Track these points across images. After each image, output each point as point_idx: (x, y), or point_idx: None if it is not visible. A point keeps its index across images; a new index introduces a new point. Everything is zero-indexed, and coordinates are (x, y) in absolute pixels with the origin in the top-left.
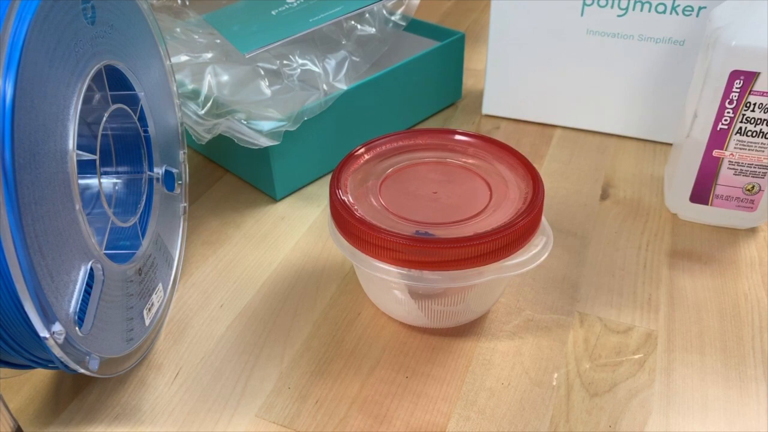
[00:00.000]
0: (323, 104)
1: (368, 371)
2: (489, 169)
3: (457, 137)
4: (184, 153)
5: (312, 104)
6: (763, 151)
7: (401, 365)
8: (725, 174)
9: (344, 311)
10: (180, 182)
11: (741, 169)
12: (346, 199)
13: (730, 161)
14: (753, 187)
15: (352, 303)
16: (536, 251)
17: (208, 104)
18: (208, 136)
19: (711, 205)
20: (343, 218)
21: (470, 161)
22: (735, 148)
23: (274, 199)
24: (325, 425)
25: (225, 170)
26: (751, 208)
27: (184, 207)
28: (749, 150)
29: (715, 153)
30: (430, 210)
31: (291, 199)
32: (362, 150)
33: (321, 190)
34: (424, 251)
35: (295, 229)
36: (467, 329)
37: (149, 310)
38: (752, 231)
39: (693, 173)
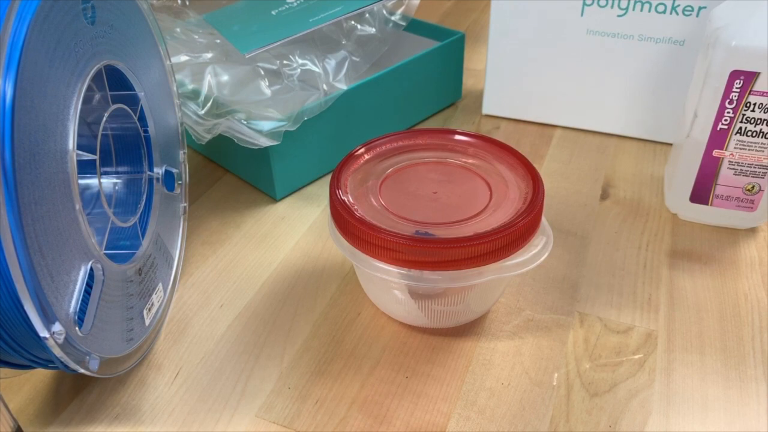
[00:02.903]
0: (323, 104)
1: (368, 371)
2: (489, 169)
3: (457, 137)
4: (184, 153)
5: (312, 104)
6: (763, 151)
7: (401, 365)
8: (725, 174)
9: (344, 311)
10: (180, 182)
11: (741, 169)
12: (346, 199)
13: (730, 161)
14: (753, 187)
15: (352, 303)
16: (536, 251)
17: (208, 104)
18: (208, 136)
19: (711, 205)
20: (343, 218)
21: (470, 161)
22: (735, 148)
23: (274, 199)
24: (325, 425)
25: (225, 170)
26: (751, 208)
27: (184, 207)
28: (749, 150)
29: (715, 153)
30: (430, 210)
31: (291, 199)
32: (362, 150)
33: (321, 190)
34: (424, 251)
35: (295, 229)
36: (467, 329)
37: (149, 310)
38: (752, 231)
39: (693, 173)
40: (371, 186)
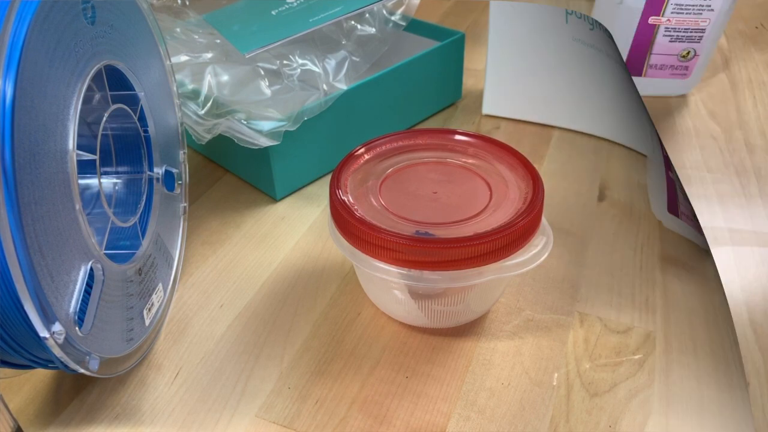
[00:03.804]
0: (323, 104)
1: (368, 371)
2: (489, 169)
3: (457, 137)
4: (184, 153)
5: (312, 104)
6: (701, 14)
7: (401, 365)
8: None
9: (344, 311)
10: (180, 182)
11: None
12: (346, 199)
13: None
14: (688, 53)
15: (352, 303)
16: (536, 251)
17: (208, 104)
18: (208, 136)
19: (645, 75)
20: (343, 218)
21: (470, 161)
22: (672, 13)
23: (274, 199)
24: (325, 425)
25: (225, 170)
26: (685, 75)
27: (184, 207)
28: (687, 14)
29: (651, 20)
30: (430, 210)
31: (291, 199)
32: (362, 150)
33: (321, 190)
34: (424, 251)
35: (295, 229)
36: (467, 329)
37: (149, 310)
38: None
39: (627, 42)
40: (371, 186)
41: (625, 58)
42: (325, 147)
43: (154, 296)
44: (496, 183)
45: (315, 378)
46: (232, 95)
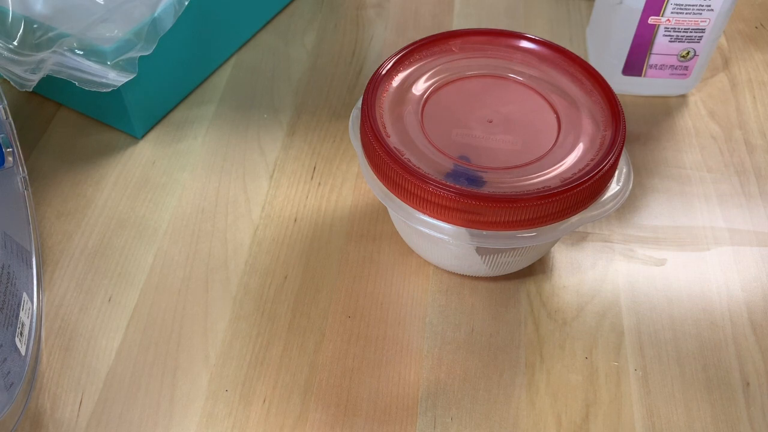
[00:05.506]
0: (178, 7)
1: (314, 347)
2: (553, 87)
3: (507, 42)
4: (4, 108)
5: (163, 10)
6: (701, 14)
7: (350, 333)
8: (660, 42)
9: (268, 275)
10: (10, 149)
11: (677, 36)
12: (394, 148)
13: (666, 28)
14: (688, 53)
15: (273, 261)
16: (618, 188)
17: (20, 30)
18: (35, 78)
19: (644, 75)
20: (396, 173)
21: (526, 72)
22: (672, 13)
23: (135, 137)
24: (281, 427)
25: (57, 104)
26: (685, 75)
27: (24, 178)
28: (686, 14)
29: (651, 20)
30: (489, 151)
31: (156, 133)
32: (392, 65)
33: (191, 113)
34: (503, 211)
35: (174, 174)
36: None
37: (21, 335)
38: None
39: (627, 43)
40: (411, 114)
41: (625, 58)
42: (187, 59)
43: (21, 314)
44: (564, 106)
45: (253, 370)
46: (51, 11)
